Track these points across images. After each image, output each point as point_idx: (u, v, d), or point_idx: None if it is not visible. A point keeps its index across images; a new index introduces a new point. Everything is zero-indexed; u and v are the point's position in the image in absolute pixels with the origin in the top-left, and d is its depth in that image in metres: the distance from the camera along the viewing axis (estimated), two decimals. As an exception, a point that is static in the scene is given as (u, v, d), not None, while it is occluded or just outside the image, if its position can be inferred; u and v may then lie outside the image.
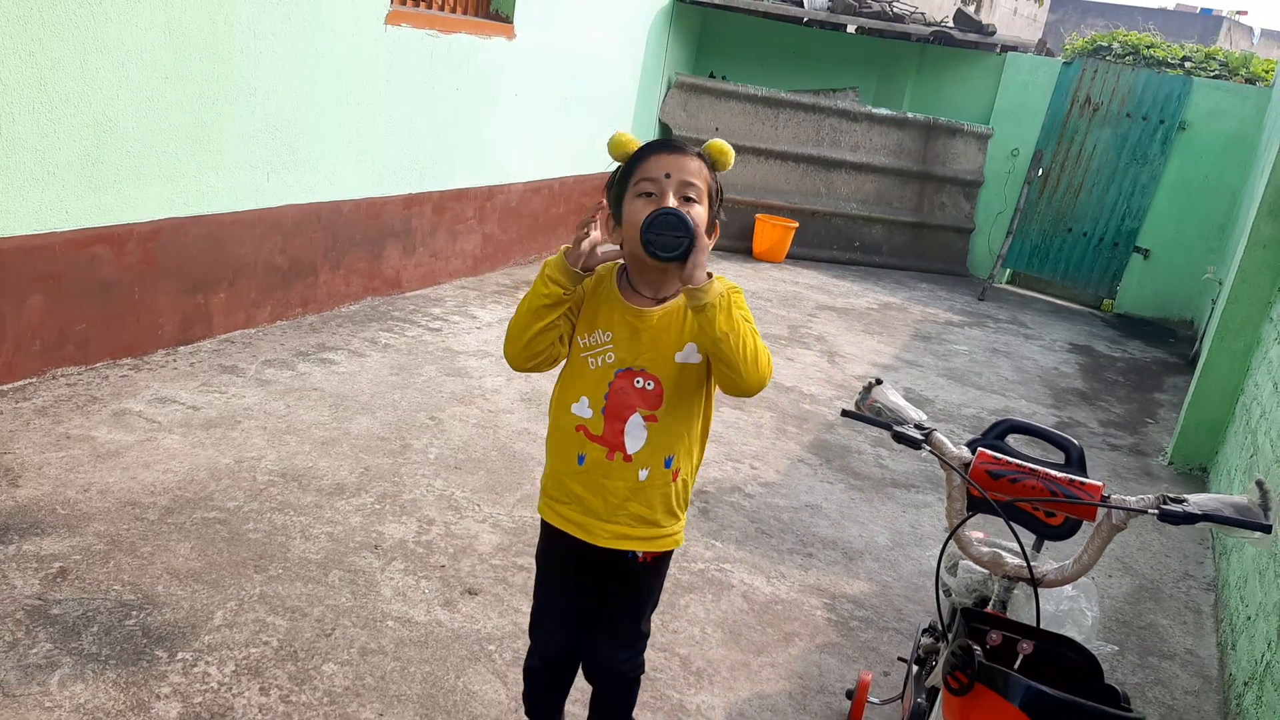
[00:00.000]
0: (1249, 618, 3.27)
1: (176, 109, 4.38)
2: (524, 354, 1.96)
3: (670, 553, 2.12)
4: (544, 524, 2.12)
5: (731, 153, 1.97)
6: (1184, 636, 3.69)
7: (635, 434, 1.96)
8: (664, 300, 1.99)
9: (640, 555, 2.05)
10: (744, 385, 1.87)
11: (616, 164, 2.00)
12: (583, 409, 1.98)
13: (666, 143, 1.96)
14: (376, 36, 5.51)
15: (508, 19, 6.74)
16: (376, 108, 5.68)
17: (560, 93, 7.64)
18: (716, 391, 2.04)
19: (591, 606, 2.18)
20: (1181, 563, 4.30)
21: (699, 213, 1.90)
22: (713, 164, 1.96)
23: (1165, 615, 3.83)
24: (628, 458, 1.96)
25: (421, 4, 6.05)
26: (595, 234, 1.90)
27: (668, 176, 1.88)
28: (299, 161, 5.20)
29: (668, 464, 1.99)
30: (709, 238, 1.94)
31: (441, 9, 6.25)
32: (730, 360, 1.84)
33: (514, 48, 6.82)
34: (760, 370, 1.87)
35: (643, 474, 1.97)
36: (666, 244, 1.80)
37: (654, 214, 1.80)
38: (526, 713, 2.36)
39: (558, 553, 2.12)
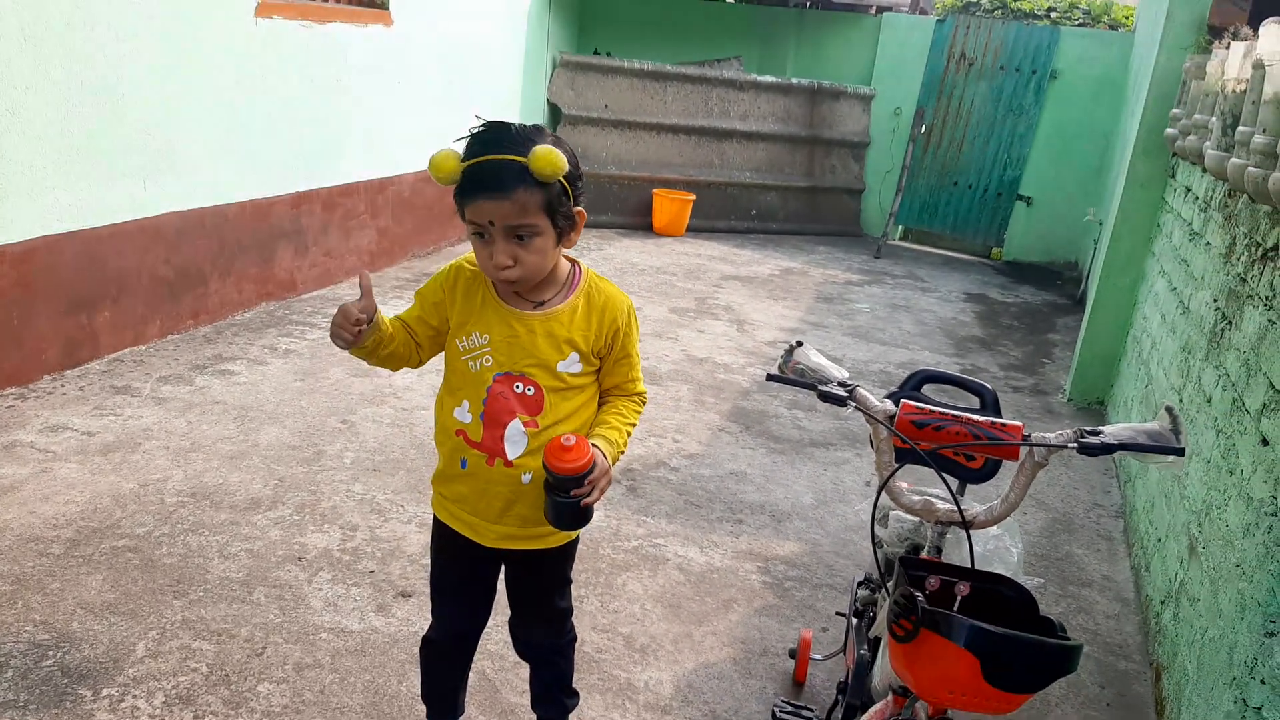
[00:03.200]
0: (1159, 540, 3.43)
1: (40, 120, 4.13)
2: (380, 368, 2.02)
3: (572, 542, 2.11)
4: (435, 517, 2.10)
5: (560, 162, 1.74)
6: (1099, 564, 3.85)
7: (515, 440, 1.90)
8: (543, 304, 1.91)
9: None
10: None
11: None
12: (463, 413, 1.92)
13: (486, 179, 1.74)
14: (247, 30, 5.30)
15: (384, 6, 6.57)
16: (254, 104, 5.47)
17: (444, 78, 7.49)
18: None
19: (496, 591, 2.21)
20: (1090, 494, 4.48)
21: (537, 245, 1.79)
22: (546, 178, 1.75)
23: (1080, 545, 3.99)
24: (508, 463, 1.91)
25: (293, -5, 5.84)
26: (358, 321, 1.81)
27: (492, 224, 1.76)
28: (176, 167, 4.98)
29: None
30: (573, 232, 1.87)
31: (314, -1, 6.05)
32: None
33: (392, 35, 6.65)
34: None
35: (525, 478, 1.92)
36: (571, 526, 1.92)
37: (551, 521, 1.89)
38: (424, 696, 2.33)
39: (450, 547, 2.09)
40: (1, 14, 3.87)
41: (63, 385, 4.33)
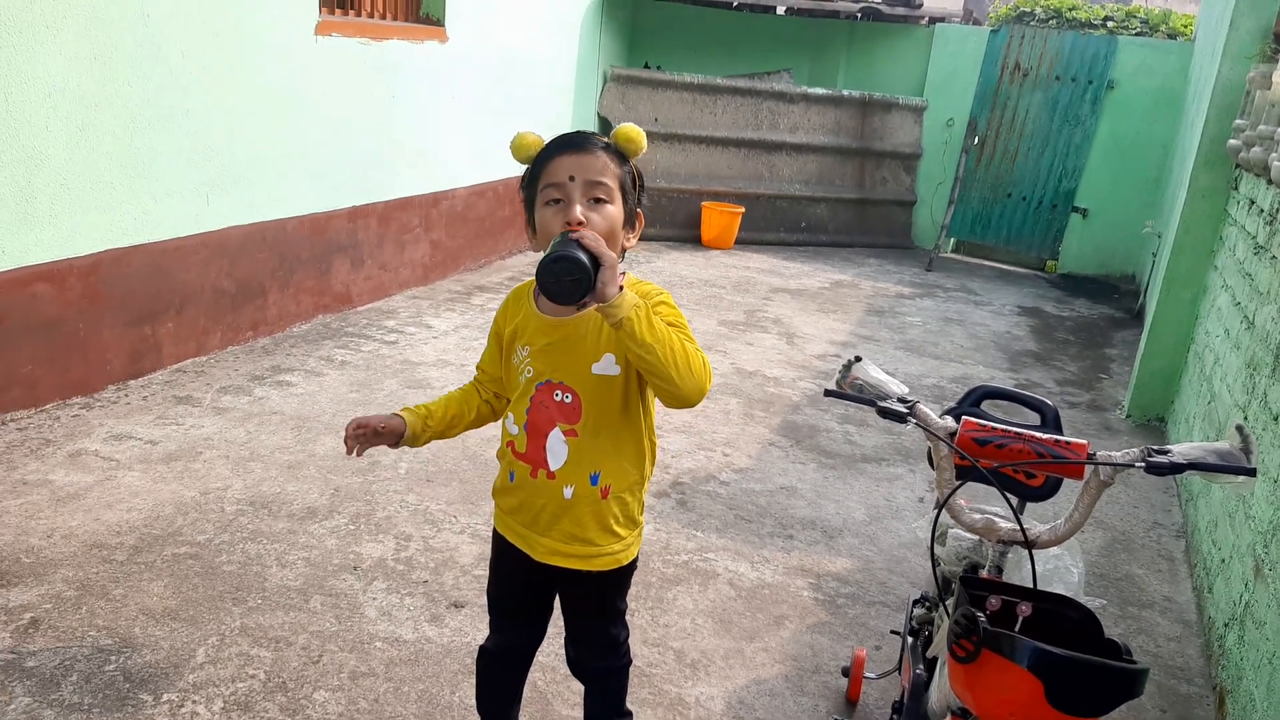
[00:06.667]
0: (1223, 560, 3.34)
1: (109, 137, 4.25)
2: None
3: (627, 567, 2.05)
4: (494, 529, 2.11)
5: (642, 137, 1.85)
6: (1160, 584, 3.76)
7: (556, 450, 1.89)
8: (582, 306, 1.87)
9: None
10: (682, 395, 1.74)
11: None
12: (512, 425, 1.95)
13: (568, 141, 1.83)
14: (308, 48, 5.41)
15: (439, 22, 6.66)
16: (313, 120, 5.58)
17: (497, 93, 7.57)
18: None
19: (555, 609, 2.20)
20: (1149, 512, 4.38)
21: (610, 213, 1.80)
22: (624, 153, 1.85)
23: (1140, 565, 3.90)
24: (551, 475, 1.90)
25: (351, 12, 5.95)
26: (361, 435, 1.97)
27: (572, 179, 1.78)
28: (238, 181, 5.09)
29: (594, 481, 1.91)
30: (632, 231, 1.89)
31: (371, 15, 6.15)
32: (660, 371, 1.70)
33: (447, 50, 6.74)
34: (696, 376, 1.73)
35: (567, 491, 1.90)
36: (566, 291, 1.62)
37: (543, 262, 1.62)
38: (479, 707, 2.32)
39: (505, 561, 2.09)
40: (73, 36, 3.99)
41: (127, 395, 4.43)
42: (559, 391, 1.89)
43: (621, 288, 1.69)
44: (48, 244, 4.08)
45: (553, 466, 1.90)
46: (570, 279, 1.62)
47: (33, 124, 3.89)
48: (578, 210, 1.77)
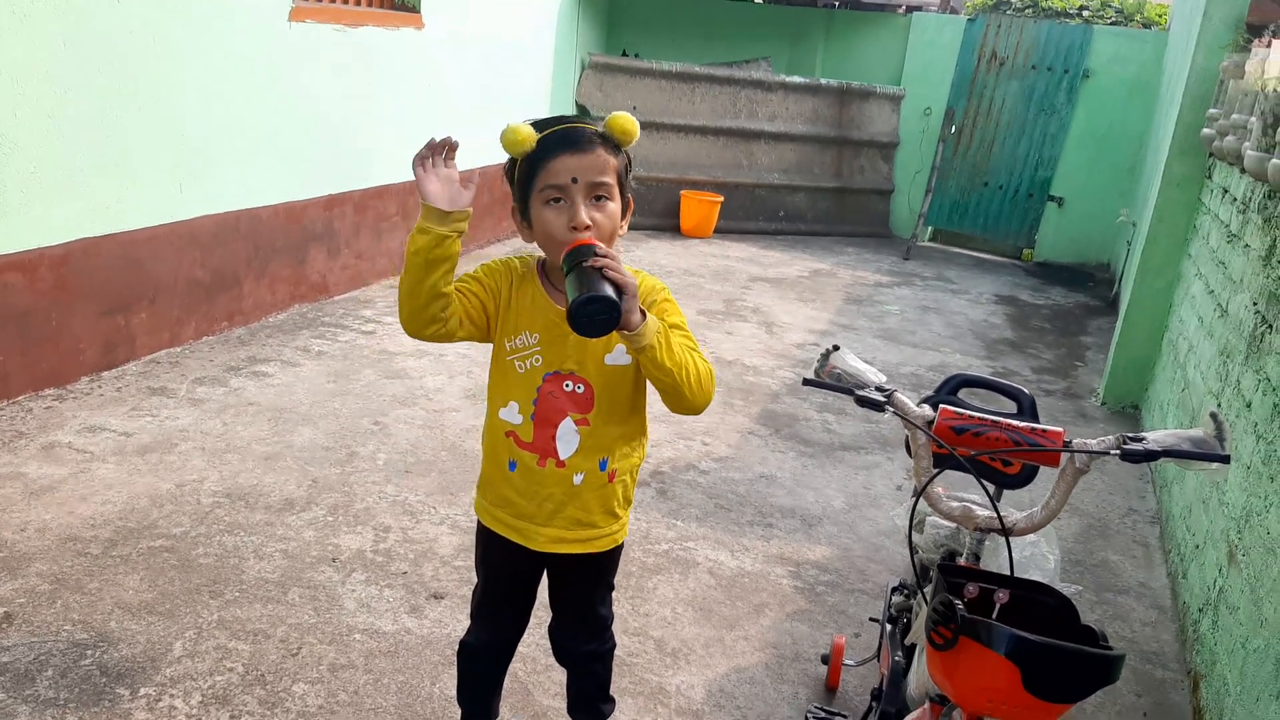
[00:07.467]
0: (1197, 546, 3.38)
1: (80, 124, 4.19)
2: (420, 317, 1.82)
3: (621, 544, 2.09)
4: (480, 524, 2.09)
5: (636, 126, 1.82)
6: (1135, 570, 3.80)
7: (567, 439, 1.90)
8: None
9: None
10: (691, 408, 1.83)
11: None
12: (512, 414, 1.92)
13: (567, 138, 1.77)
14: (282, 33, 5.34)
15: (415, 8, 6.60)
16: (288, 107, 5.52)
17: (474, 80, 7.52)
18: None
19: (543, 597, 2.19)
20: (1125, 499, 4.43)
21: (612, 210, 1.79)
22: (618, 143, 1.82)
23: (1115, 551, 3.94)
24: (560, 463, 1.90)
25: (325, -1, 5.88)
26: (449, 172, 1.83)
27: (574, 181, 1.75)
28: (212, 169, 5.03)
29: (602, 466, 1.93)
30: (623, 220, 1.87)
31: (346, 1, 6.09)
32: (674, 390, 1.78)
33: (424, 37, 6.69)
34: (705, 392, 1.82)
35: (577, 479, 1.92)
36: (598, 328, 1.64)
37: (575, 303, 1.60)
38: (459, 700, 2.32)
39: (496, 556, 2.08)
40: (42, 20, 3.92)
41: (100, 386, 4.38)
42: (569, 382, 1.89)
43: (644, 314, 1.69)
44: (18, 233, 4.01)
45: (563, 455, 1.90)
46: (602, 318, 1.63)
47: (1, 111, 3.83)
48: (583, 214, 1.75)
